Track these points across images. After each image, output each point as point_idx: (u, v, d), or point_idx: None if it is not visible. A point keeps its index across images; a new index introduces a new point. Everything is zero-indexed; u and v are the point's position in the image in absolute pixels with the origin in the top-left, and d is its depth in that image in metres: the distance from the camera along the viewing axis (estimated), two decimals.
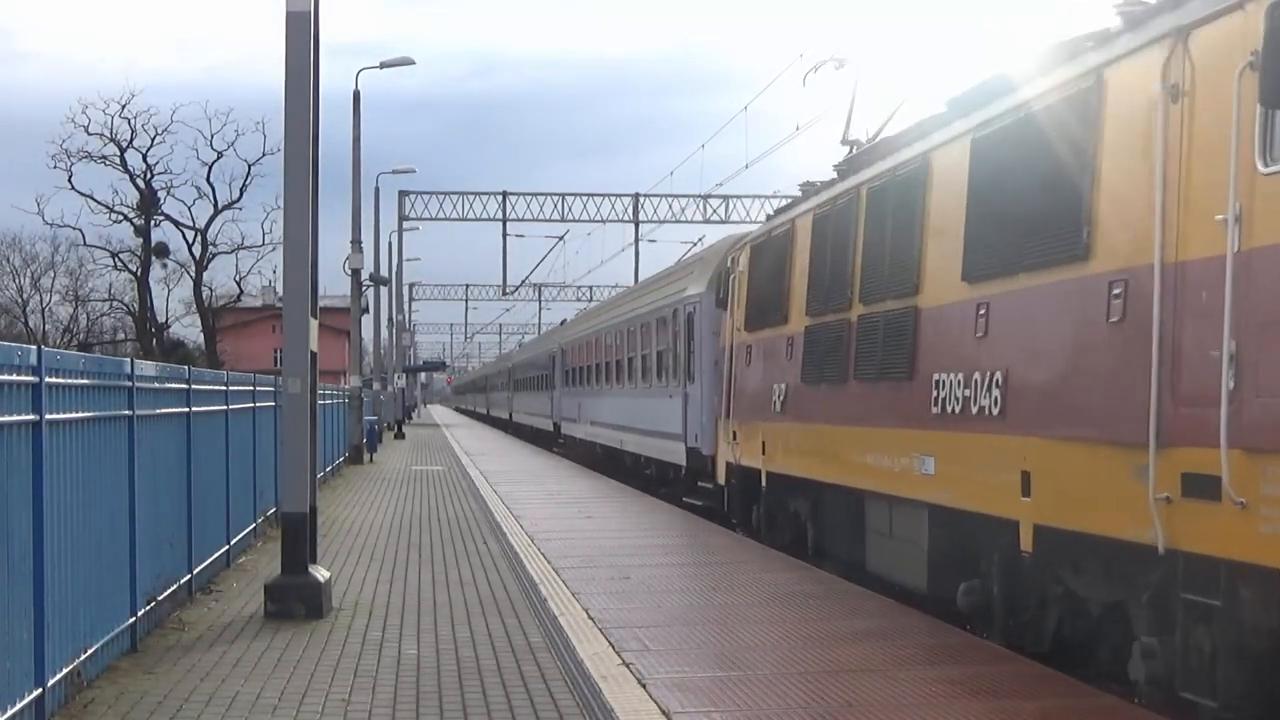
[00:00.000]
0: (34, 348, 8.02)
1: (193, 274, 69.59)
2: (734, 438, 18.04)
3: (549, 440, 47.36)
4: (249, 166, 66.89)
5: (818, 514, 15.25)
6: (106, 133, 65.48)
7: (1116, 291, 8.40)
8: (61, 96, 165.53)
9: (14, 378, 7.58)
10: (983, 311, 10.18)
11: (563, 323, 53.39)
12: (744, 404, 17.60)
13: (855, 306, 13.09)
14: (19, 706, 7.49)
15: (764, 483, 16.81)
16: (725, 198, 53.80)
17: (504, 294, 68.37)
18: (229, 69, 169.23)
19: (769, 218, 18.05)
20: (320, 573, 12.26)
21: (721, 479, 19.47)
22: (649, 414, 26.42)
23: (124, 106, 65.77)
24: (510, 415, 68.44)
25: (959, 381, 10.54)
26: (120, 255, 69.80)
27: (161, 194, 67.42)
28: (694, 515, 21.25)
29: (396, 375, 66.96)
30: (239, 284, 72.40)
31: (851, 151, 15.27)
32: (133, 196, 67.04)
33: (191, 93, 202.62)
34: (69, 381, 8.63)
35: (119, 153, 65.98)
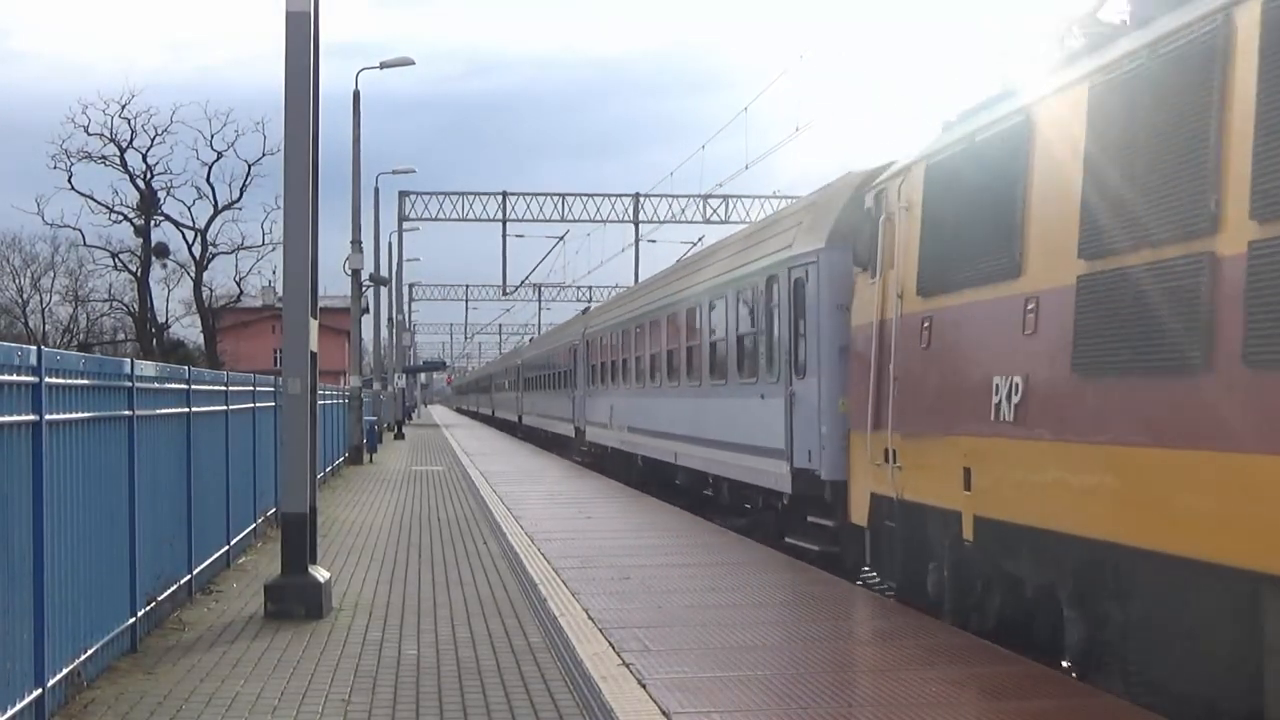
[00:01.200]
0: (34, 348, 8.03)
1: (193, 274, 69.65)
2: (890, 458, 12.33)
3: (568, 447, 41.58)
4: (249, 167, 66.99)
5: (1100, 599, 9.24)
6: (106, 133, 65.57)
7: None
8: (57, 97, 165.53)
9: (14, 378, 7.58)
10: None
11: (585, 310, 44.63)
12: (915, 407, 11.80)
13: (1232, 228, 7.39)
14: (19, 707, 7.49)
15: (966, 534, 10.60)
16: (725, 198, 53.95)
17: (504, 294, 68.45)
18: (223, 69, 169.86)
19: (948, 126, 11.91)
20: (320, 573, 12.26)
21: (860, 517, 13.60)
22: (727, 420, 19.86)
23: (124, 107, 65.87)
24: (519, 418, 60.38)
25: None
26: (120, 255, 69.90)
27: (161, 194, 67.50)
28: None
29: (396, 375, 66.99)
30: (239, 284, 72.51)
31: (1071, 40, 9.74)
32: (133, 197, 67.12)
33: (185, 93, 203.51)
34: (69, 382, 8.63)
35: (119, 153, 66.06)
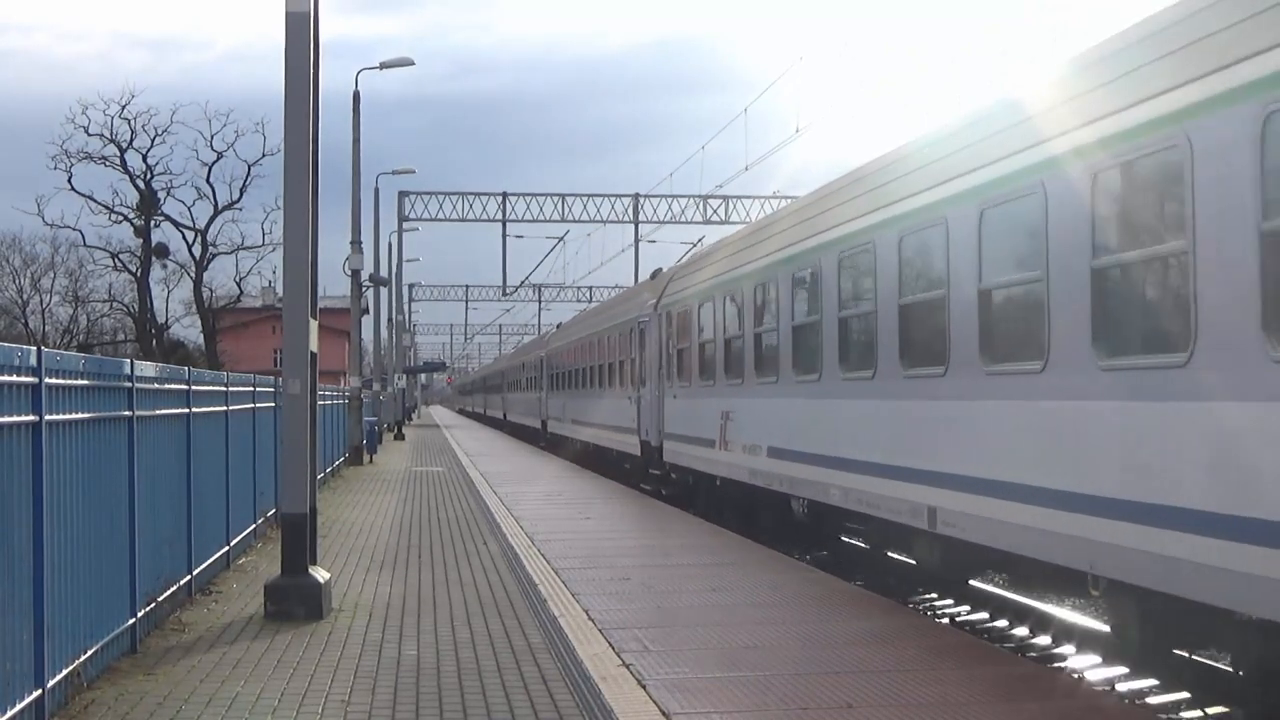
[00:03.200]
0: (34, 349, 8.03)
1: (192, 275, 69.76)
2: None
3: (626, 466, 29.65)
4: (249, 167, 67.20)
5: None
6: (106, 133, 65.70)
7: None
8: (42, 95, 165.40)
9: (14, 379, 7.58)
10: None
11: (655, 273, 30.15)
12: None
13: None
14: (19, 708, 7.49)
15: None
16: (725, 198, 54.00)
17: (504, 295, 68.47)
18: (207, 69, 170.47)
19: None
20: (320, 574, 12.26)
21: None
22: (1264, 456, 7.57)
23: (124, 107, 65.99)
24: (544, 423, 47.83)
25: None
26: (120, 256, 70.03)
27: (161, 194, 67.69)
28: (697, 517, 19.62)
29: (396, 376, 66.99)
30: (239, 284, 72.60)
31: None
32: (133, 197, 67.31)
33: (169, 93, 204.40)
34: (69, 382, 8.63)
35: (119, 153, 66.17)
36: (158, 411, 11.36)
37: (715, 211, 54.45)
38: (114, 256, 70.24)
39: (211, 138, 68.80)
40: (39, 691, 7.84)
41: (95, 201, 66.33)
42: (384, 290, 57.37)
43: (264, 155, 66.33)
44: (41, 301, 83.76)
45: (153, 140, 66.56)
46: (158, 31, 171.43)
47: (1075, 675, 9.69)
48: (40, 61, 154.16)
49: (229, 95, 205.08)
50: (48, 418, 8.06)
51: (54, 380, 8.26)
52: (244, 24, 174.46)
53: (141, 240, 68.67)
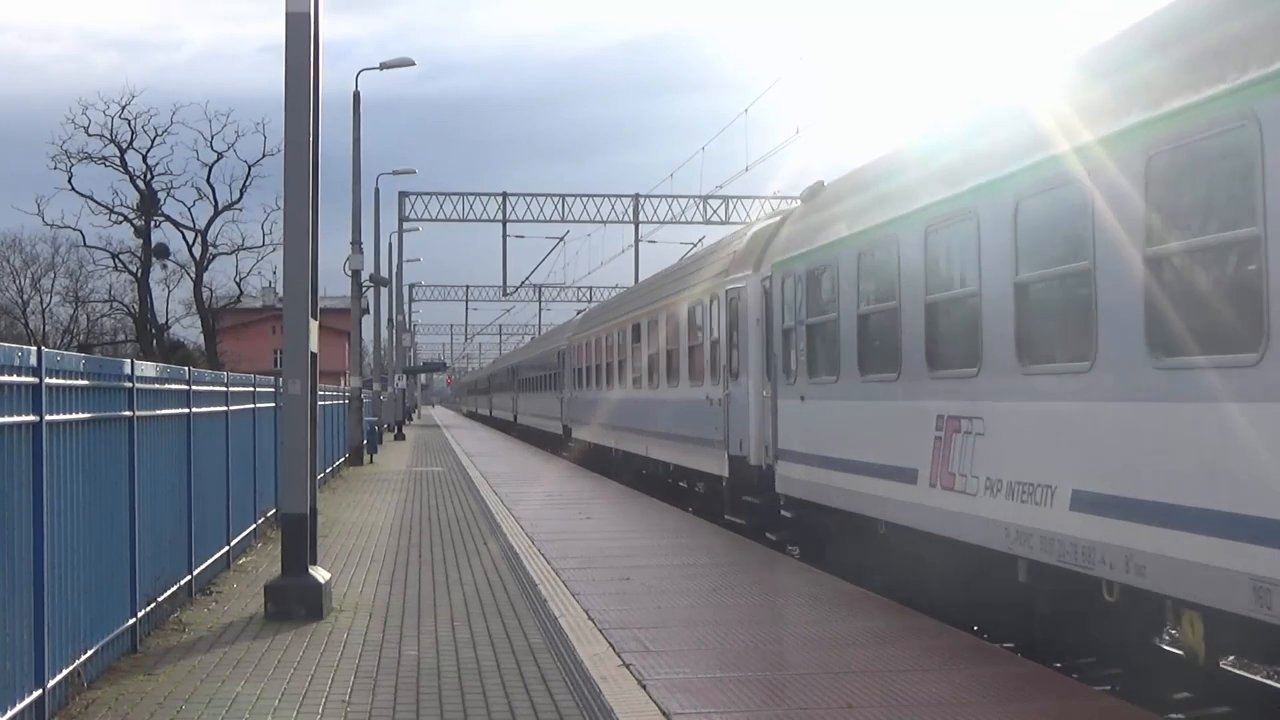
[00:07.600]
0: (34, 349, 8.03)
1: (193, 275, 69.75)
2: None
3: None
4: (249, 167, 67.19)
5: None
6: (106, 134, 65.69)
7: None
8: (14, 98, 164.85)
9: (14, 379, 7.58)
10: None
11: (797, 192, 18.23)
12: None
13: None
14: (19, 708, 7.49)
15: None
16: (725, 199, 53.96)
17: (504, 295, 68.45)
18: (177, 70, 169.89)
19: None
20: (320, 574, 12.26)
21: None
22: None
23: (124, 108, 66.00)
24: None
25: None
26: (120, 256, 70.00)
27: (161, 195, 67.67)
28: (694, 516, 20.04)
29: (396, 376, 66.98)
30: (239, 285, 72.60)
31: None
32: (133, 198, 67.28)
33: (145, 95, 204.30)
34: (69, 383, 8.63)
35: (119, 154, 66.17)
36: (158, 412, 11.37)
37: (715, 212, 54.45)
38: (114, 257, 70.33)
39: (211, 138, 68.80)
40: (39, 691, 7.84)
41: (95, 202, 66.43)
42: (384, 290, 57.40)
43: (264, 155, 66.40)
44: (42, 302, 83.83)
45: (153, 141, 66.63)
46: (127, 32, 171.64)
47: (1075, 675, 9.69)
48: (9, 63, 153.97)
49: (204, 96, 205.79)
50: (48, 418, 8.06)
51: (54, 380, 8.26)
52: (214, 25, 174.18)
53: (141, 240, 68.69)
